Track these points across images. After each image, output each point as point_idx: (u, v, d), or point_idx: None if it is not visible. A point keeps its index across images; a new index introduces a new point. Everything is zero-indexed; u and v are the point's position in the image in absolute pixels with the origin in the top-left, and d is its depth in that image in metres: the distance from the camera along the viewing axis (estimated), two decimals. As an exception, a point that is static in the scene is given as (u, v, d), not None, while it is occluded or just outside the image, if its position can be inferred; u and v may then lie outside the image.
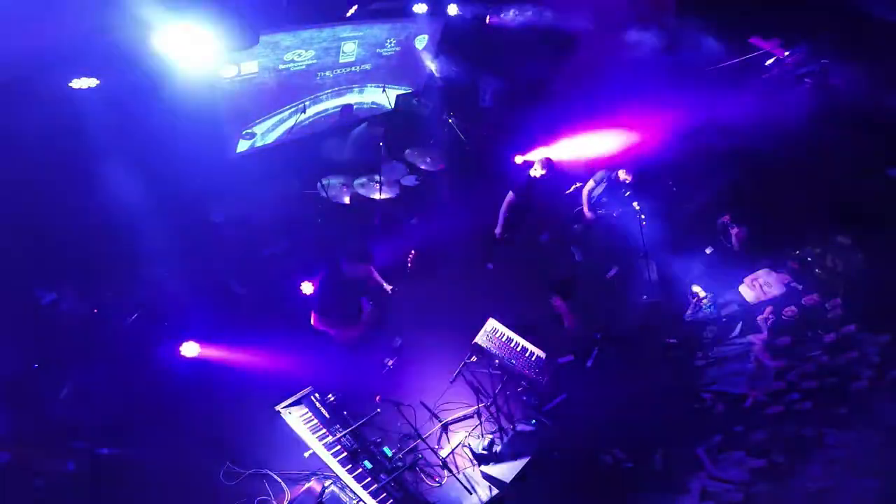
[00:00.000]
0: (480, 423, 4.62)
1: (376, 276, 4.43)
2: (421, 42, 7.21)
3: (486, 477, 4.23)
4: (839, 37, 5.93)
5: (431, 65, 7.24)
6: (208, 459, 4.04)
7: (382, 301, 4.42)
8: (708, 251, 6.30)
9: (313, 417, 3.76)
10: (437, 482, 4.22)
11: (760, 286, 5.64)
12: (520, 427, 4.62)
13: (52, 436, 3.87)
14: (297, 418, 3.72)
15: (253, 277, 5.42)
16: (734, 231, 6.10)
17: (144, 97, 4.54)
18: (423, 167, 6.52)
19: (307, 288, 4.77)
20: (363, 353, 4.64)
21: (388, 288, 4.40)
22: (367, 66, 6.82)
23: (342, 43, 6.18)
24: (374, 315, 4.25)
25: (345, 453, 3.62)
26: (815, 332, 4.96)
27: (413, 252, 4.96)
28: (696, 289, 5.84)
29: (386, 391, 4.49)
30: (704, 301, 5.71)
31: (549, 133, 7.48)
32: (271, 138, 6.42)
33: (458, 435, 4.59)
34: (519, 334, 4.92)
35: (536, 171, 5.71)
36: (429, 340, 5.22)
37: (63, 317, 4.39)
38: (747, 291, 5.72)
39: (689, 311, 5.78)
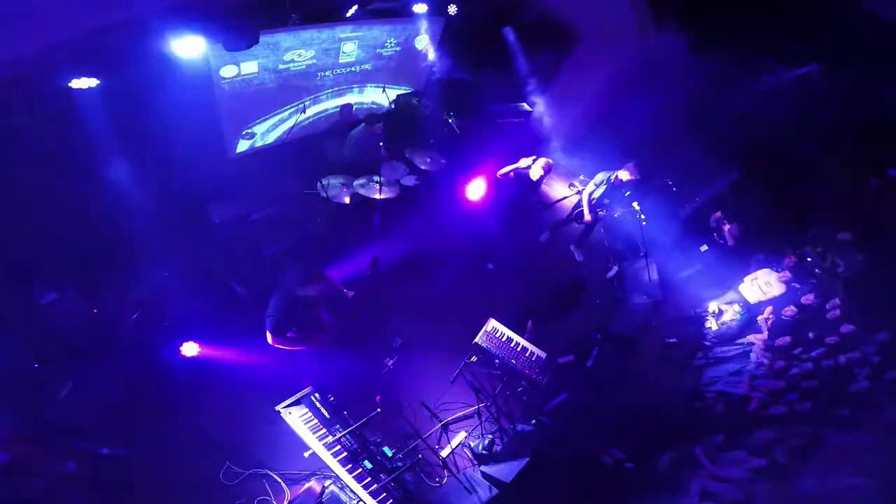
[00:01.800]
0: (480, 423, 4.62)
1: (336, 286, 4.33)
2: (421, 42, 7.21)
3: (486, 477, 4.22)
4: (838, 37, 5.93)
5: (431, 55, 7.19)
6: (208, 459, 4.03)
7: (346, 309, 4.35)
8: (703, 248, 6.31)
9: (313, 417, 3.76)
10: (437, 482, 4.22)
11: (760, 286, 5.65)
12: (520, 427, 4.62)
13: (52, 436, 3.86)
14: (296, 418, 3.72)
15: (253, 277, 5.42)
16: (727, 227, 6.11)
17: (144, 97, 4.54)
18: (423, 167, 6.52)
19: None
20: (363, 352, 4.65)
21: (349, 294, 4.33)
22: (367, 67, 6.81)
23: (342, 43, 6.18)
24: (335, 325, 4.19)
25: (345, 453, 3.62)
26: (815, 332, 4.97)
27: (374, 258, 4.90)
28: (713, 307, 5.77)
29: (386, 391, 4.48)
30: (732, 315, 5.62)
31: (549, 133, 7.49)
32: (271, 138, 6.42)
33: (458, 435, 4.59)
34: (519, 334, 4.92)
35: (535, 174, 5.71)
36: (429, 340, 5.22)
37: (63, 317, 4.39)
38: (747, 291, 5.73)
39: (715, 328, 5.71)
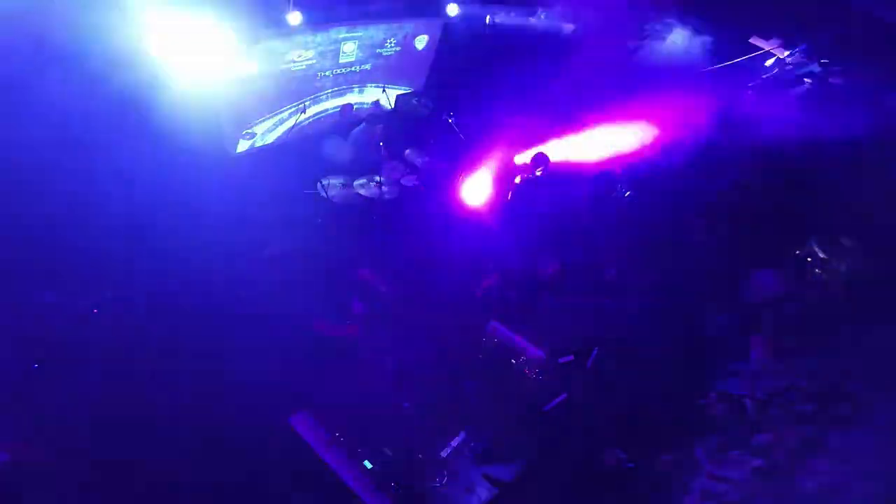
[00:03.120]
0: (481, 423, 4.62)
1: (371, 279, 4.37)
2: (421, 42, 7.21)
3: (486, 477, 4.23)
4: (839, 37, 5.93)
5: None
6: (208, 459, 4.03)
7: (379, 300, 4.37)
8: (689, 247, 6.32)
9: (314, 417, 3.76)
10: (437, 482, 4.22)
11: (760, 286, 5.64)
12: (521, 425, 4.62)
13: (52, 436, 3.86)
14: (298, 418, 3.73)
15: (253, 277, 5.41)
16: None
17: (145, 97, 4.54)
18: (423, 167, 6.52)
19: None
20: (363, 353, 4.65)
21: (383, 288, 4.36)
22: (367, 67, 6.82)
23: (342, 43, 6.18)
24: (366, 315, 4.21)
25: (345, 453, 3.62)
26: (816, 332, 4.96)
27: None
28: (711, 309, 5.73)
29: (386, 391, 4.48)
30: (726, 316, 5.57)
31: (549, 132, 7.48)
32: (271, 138, 6.42)
33: (458, 435, 4.59)
34: (519, 334, 4.92)
35: (535, 169, 5.72)
36: (430, 340, 5.22)
37: (63, 317, 4.38)
38: (746, 291, 5.72)
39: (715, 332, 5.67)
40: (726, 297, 5.85)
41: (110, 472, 3.85)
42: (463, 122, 7.31)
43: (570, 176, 7.10)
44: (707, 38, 6.66)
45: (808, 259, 5.69)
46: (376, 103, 7.41)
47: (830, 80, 6.13)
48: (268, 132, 6.32)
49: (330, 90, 6.65)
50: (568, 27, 6.70)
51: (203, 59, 4.78)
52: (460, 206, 6.67)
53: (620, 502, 4.20)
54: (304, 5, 5.25)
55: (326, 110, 6.87)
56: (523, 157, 6.84)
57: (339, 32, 6.03)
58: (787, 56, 6.34)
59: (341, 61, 6.40)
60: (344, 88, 6.84)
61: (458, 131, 7.25)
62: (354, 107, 7.11)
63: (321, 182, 5.83)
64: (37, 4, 3.56)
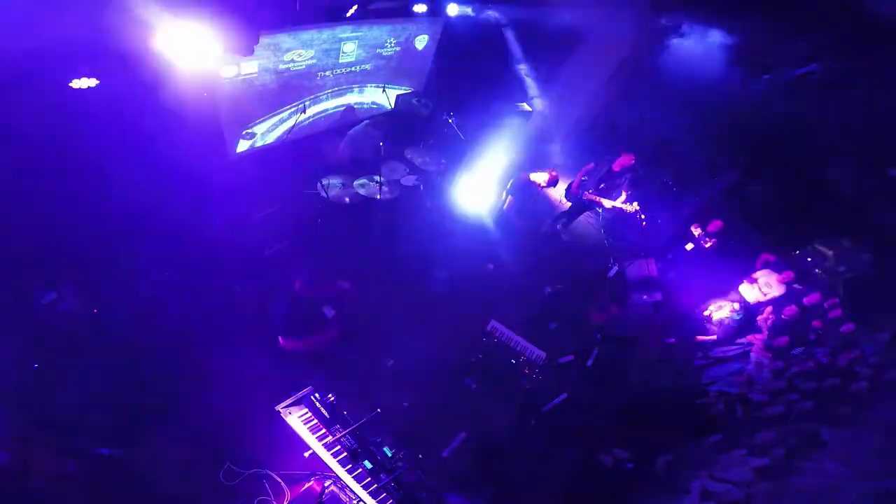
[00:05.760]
0: (481, 423, 4.62)
1: (330, 281, 4.38)
2: (421, 42, 7.21)
3: (486, 476, 4.23)
4: (839, 37, 5.93)
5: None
6: (208, 459, 4.03)
7: (353, 305, 4.39)
8: (688, 247, 6.32)
9: (313, 417, 3.76)
10: (438, 482, 4.21)
11: (760, 287, 5.64)
12: (520, 427, 4.62)
13: (52, 436, 3.86)
14: (296, 418, 3.72)
15: (253, 277, 5.41)
16: (699, 233, 6.16)
17: (144, 97, 4.54)
18: (422, 167, 6.52)
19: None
20: (362, 353, 4.65)
21: (346, 286, 4.38)
22: (367, 67, 6.82)
23: (342, 43, 6.18)
24: (339, 320, 4.22)
25: (345, 453, 3.61)
26: (815, 332, 4.97)
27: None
28: (710, 308, 5.71)
29: (386, 391, 4.48)
30: (727, 314, 5.57)
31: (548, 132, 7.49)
32: (271, 138, 6.42)
33: (458, 435, 4.59)
34: (519, 334, 4.93)
35: (540, 179, 5.73)
36: (429, 341, 5.22)
37: (63, 317, 4.38)
38: (747, 291, 5.73)
39: (714, 329, 5.66)
40: (727, 297, 5.86)
41: (110, 471, 3.85)
42: (463, 123, 7.32)
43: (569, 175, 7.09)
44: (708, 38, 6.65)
45: (809, 259, 5.70)
46: (376, 103, 7.41)
47: (830, 80, 6.13)
48: (268, 132, 6.32)
49: (330, 90, 6.65)
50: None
51: (203, 59, 4.78)
52: (460, 205, 6.67)
53: (620, 502, 4.20)
54: (308, 5, 5.25)
55: (326, 110, 6.87)
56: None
57: (344, 32, 6.03)
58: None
59: (341, 61, 6.40)
60: (344, 88, 6.84)
61: (458, 131, 7.25)
62: (354, 107, 7.11)
63: (321, 182, 5.83)
64: (38, 6, 3.56)
